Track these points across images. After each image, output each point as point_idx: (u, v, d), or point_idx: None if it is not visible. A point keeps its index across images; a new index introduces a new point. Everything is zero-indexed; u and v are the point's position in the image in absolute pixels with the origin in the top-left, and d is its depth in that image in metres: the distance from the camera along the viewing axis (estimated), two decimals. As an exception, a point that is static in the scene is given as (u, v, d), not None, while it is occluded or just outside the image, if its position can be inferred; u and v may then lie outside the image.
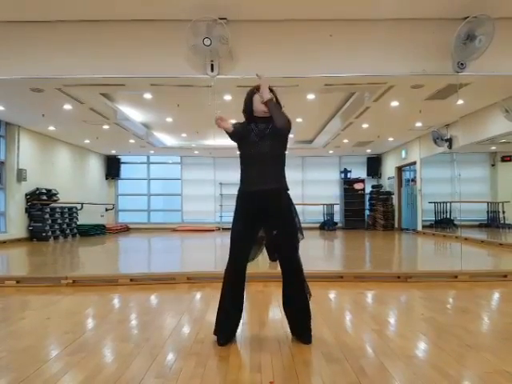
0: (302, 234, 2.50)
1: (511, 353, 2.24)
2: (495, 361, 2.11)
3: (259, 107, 2.46)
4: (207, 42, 4.15)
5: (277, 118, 2.37)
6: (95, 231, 11.43)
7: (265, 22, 4.46)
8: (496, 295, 3.85)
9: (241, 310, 2.51)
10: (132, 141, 10.99)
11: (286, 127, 2.40)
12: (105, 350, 2.37)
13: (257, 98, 2.47)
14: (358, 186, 13.72)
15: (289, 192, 2.51)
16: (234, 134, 2.47)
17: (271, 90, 2.50)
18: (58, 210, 10.14)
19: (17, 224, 9.17)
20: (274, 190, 2.43)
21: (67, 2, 4.13)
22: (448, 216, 11.07)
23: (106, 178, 14.02)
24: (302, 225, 2.56)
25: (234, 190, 2.56)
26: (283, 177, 2.50)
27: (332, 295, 3.81)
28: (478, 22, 4.16)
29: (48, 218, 9.66)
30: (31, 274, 4.93)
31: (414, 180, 11.87)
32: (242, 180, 2.51)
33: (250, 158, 2.47)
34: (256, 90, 2.49)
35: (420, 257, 7.25)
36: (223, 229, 12.08)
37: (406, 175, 12.76)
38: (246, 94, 2.55)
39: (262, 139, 2.43)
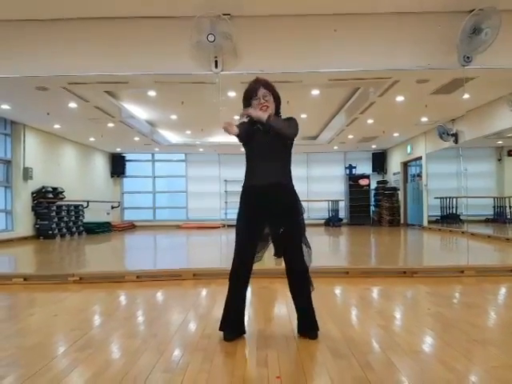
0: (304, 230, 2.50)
1: (519, 347, 2.23)
2: (502, 355, 2.10)
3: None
4: (211, 38, 4.14)
5: (283, 134, 2.38)
6: (101, 229, 11.48)
7: (268, 17, 4.44)
8: (503, 290, 3.83)
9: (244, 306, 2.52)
10: (137, 138, 11.01)
11: (293, 137, 2.44)
12: (112, 346, 2.39)
13: (255, 106, 2.45)
14: (363, 181, 13.67)
15: (296, 186, 2.50)
16: (241, 137, 2.43)
17: (273, 92, 2.49)
18: (64, 208, 10.21)
19: (23, 222, 9.24)
20: (276, 184, 2.43)
21: (71, 1, 4.14)
22: (454, 211, 11.00)
23: (112, 176, 14.08)
24: (307, 221, 2.55)
25: (239, 187, 2.55)
26: (287, 172, 2.49)
27: (338, 291, 3.81)
28: (485, 14, 4.12)
29: (54, 216, 9.72)
30: (38, 272, 4.97)
31: (419, 175, 11.80)
32: (245, 176, 2.52)
33: (255, 155, 2.48)
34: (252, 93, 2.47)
35: (426, 252, 7.22)
36: (228, 226, 12.08)
37: (412, 170, 12.69)
38: (243, 96, 2.54)
39: (266, 137, 2.43)
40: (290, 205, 2.46)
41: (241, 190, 2.53)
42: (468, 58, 4.30)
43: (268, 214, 2.45)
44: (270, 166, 2.43)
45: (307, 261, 2.47)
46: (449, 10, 4.35)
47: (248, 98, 2.50)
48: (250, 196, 2.47)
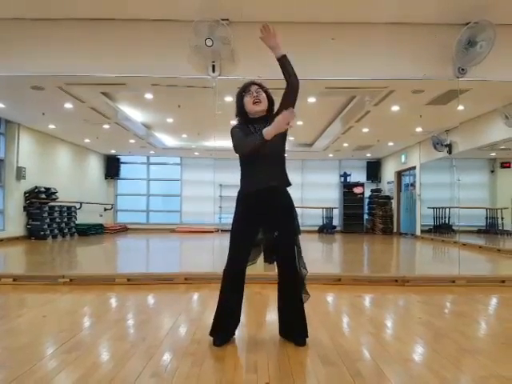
0: (299, 233, 2.50)
1: (507, 357, 2.24)
2: (491, 365, 2.11)
3: (252, 108, 2.44)
4: (209, 42, 4.15)
5: (292, 76, 2.49)
6: (93, 231, 11.41)
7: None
8: (493, 300, 3.85)
9: (239, 312, 2.50)
10: (132, 141, 10.99)
11: (298, 86, 2.50)
12: (101, 348, 2.36)
13: (248, 100, 2.45)
14: (357, 189, 13.72)
15: (290, 192, 2.50)
16: None
17: (266, 91, 2.50)
18: (56, 208, 10.13)
19: (15, 222, 9.15)
20: (276, 188, 2.42)
21: (70, 1, 4.14)
22: (447, 221, 11.07)
23: (106, 178, 14.01)
24: (301, 228, 2.55)
25: (234, 192, 2.54)
26: (284, 174, 2.47)
27: (330, 298, 3.80)
28: (480, 27, 4.18)
29: (46, 217, 9.64)
30: (28, 272, 4.92)
31: (413, 185, 11.87)
32: (242, 180, 2.49)
33: (254, 158, 2.41)
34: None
35: (418, 261, 7.24)
36: (222, 230, 12.05)
37: (406, 180, 12.77)
38: (236, 96, 2.52)
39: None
40: (288, 208, 2.45)
41: (237, 194, 2.50)
42: (463, 69, 4.36)
43: (265, 218, 2.44)
44: (267, 169, 2.40)
45: (303, 270, 2.47)
46: (445, 22, 4.41)
47: (241, 92, 2.49)
48: (251, 200, 2.44)
